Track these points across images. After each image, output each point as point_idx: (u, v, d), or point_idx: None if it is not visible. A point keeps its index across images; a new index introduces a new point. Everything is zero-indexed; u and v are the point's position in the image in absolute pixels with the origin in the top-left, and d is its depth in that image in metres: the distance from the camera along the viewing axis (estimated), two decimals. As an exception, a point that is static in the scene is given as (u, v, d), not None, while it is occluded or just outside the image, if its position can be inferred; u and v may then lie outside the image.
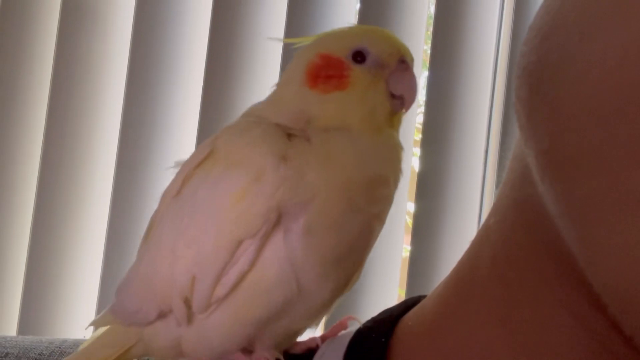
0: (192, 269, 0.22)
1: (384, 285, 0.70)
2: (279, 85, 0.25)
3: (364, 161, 0.22)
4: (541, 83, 0.17)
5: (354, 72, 0.23)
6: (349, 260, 0.23)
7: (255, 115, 0.24)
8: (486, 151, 0.71)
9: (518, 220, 0.20)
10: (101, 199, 0.70)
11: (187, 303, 0.22)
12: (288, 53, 0.69)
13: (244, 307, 0.22)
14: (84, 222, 0.70)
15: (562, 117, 0.16)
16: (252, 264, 0.21)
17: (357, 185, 0.22)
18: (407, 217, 0.73)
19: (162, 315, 0.24)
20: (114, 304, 0.26)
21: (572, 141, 0.15)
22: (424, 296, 0.25)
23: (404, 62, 0.23)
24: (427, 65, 0.69)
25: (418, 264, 0.69)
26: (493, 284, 0.21)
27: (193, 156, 0.24)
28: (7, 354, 0.44)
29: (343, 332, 0.25)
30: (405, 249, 0.73)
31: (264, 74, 0.70)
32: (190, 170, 0.23)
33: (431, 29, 0.70)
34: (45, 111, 0.71)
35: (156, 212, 0.25)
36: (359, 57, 0.23)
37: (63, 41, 0.70)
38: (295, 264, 0.21)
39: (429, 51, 0.70)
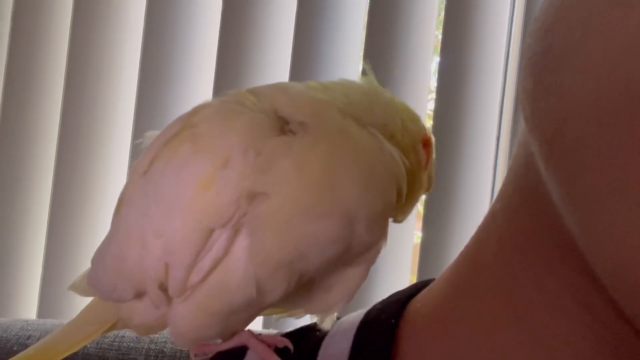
0: (164, 257, 0.22)
1: (395, 272, 0.71)
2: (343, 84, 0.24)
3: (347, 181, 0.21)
4: (545, 74, 0.17)
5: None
6: (302, 265, 0.21)
7: (265, 97, 0.23)
8: (498, 137, 0.71)
9: (523, 206, 0.21)
10: (117, 186, 0.71)
11: (163, 287, 0.22)
12: (296, 51, 0.69)
13: (208, 301, 0.22)
14: (101, 206, 0.72)
15: (565, 108, 0.16)
16: (226, 251, 0.21)
17: (321, 198, 0.21)
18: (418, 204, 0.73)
19: (139, 295, 0.24)
20: (90, 275, 0.25)
21: (574, 132, 0.16)
22: (434, 279, 0.25)
23: None
24: (439, 51, 0.69)
25: (429, 250, 0.70)
26: (499, 268, 0.21)
27: (164, 132, 0.23)
28: (29, 337, 0.45)
29: (352, 314, 0.26)
30: (416, 236, 0.73)
31: (275, 72, 0.70)
32: (159, 148, 0.23)
33: (442, 13, 0.69)
34: (61, 100, 0.72)
35: (126, 186, 0.24)
36: None
37: (76, 32, 0.71)
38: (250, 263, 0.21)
39: (440, 37, 0.69)
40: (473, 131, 0.69)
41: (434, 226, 0.70)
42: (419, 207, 0.73)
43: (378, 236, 0.23)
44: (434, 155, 0.26)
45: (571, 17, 0.16)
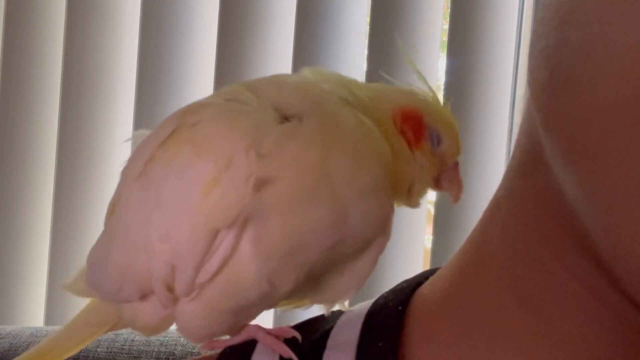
0: (171, 260, 0.22)
1: (407, 276, 0.71)
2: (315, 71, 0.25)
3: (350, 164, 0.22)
4: (561, 68, 0.17)
5: (425, 146, 0.25)
6: (304, 256, 0.22)
7: (262, 92, 0.23)
8: (509, 139, 0.70)
9: (526, 193, 0.21)
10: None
11: (170, 287, 0.23)
12: (298, 47, 0.69)
13: (219, 299, 0.22)
14: (103, 210, 0.72)
15: (585, 106, 0.16)
16: (234, 250, 0.22)
17: (321, 185, 0.21)
18: (429, 206, 0.73)
19: (145, 296, 0.24)
20: (89, 277, 0.26)
21: (596, 132, 0.16)
22: (440, 268, 0.26)
23: (457, 164, 0.26)
24: (446, 46, 0.68)
25: (441, 255, 0.70)
26: (504, 254, 0.22)
27: (157, 132, 0.23)
28: (39, 343, 0.46)
29: (361, 304, 0.26)
30: (427, 238, 0.73)
31: (277, 72, 0.71)
32: (154, 149, 0.23)
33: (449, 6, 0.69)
34: (59, 96, 0.72)
35: (119, 189, 0.25)
36: (434, 139, 0.25)
37: (71, 27, 0.71)
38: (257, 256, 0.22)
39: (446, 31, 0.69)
40: (484, 130, 0.69)
41: (445, 230, 0.70)
42: (431, 210, 0.73)
43: (378, 219, 0.23)
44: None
45: (587, 8, 0.16)
